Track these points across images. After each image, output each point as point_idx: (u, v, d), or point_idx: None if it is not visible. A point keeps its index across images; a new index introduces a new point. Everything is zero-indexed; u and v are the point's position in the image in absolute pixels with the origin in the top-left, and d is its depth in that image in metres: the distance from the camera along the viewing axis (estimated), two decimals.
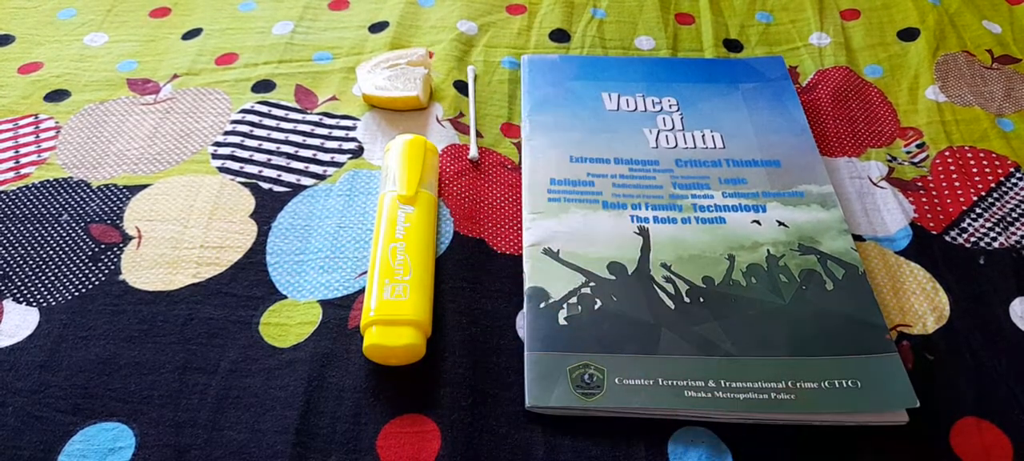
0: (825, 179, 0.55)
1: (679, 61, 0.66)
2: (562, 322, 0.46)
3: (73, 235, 0.51)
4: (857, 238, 0.52)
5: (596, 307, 0.46)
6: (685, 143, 0.57)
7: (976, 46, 0.68)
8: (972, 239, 0.52)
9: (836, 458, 0.41)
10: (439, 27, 0.70)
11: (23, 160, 0.57)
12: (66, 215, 0.53)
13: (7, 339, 0.45)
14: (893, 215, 0.54)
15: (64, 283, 0.48)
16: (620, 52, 0.69)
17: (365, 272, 0.49)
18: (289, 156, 0.57)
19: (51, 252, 0.50)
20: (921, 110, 0.62)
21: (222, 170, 0.56)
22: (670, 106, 0.61)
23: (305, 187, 0.55)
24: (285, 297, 0.48)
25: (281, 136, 0.59)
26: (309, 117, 0.61)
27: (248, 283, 0.48)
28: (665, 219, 0.52)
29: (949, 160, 0.58)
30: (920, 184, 0.56)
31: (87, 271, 0.49)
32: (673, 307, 0.47)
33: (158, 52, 0.67)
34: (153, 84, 0.64)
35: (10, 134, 0.59)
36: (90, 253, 0.50)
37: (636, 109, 0.60)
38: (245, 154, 0.57)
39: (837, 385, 0.43)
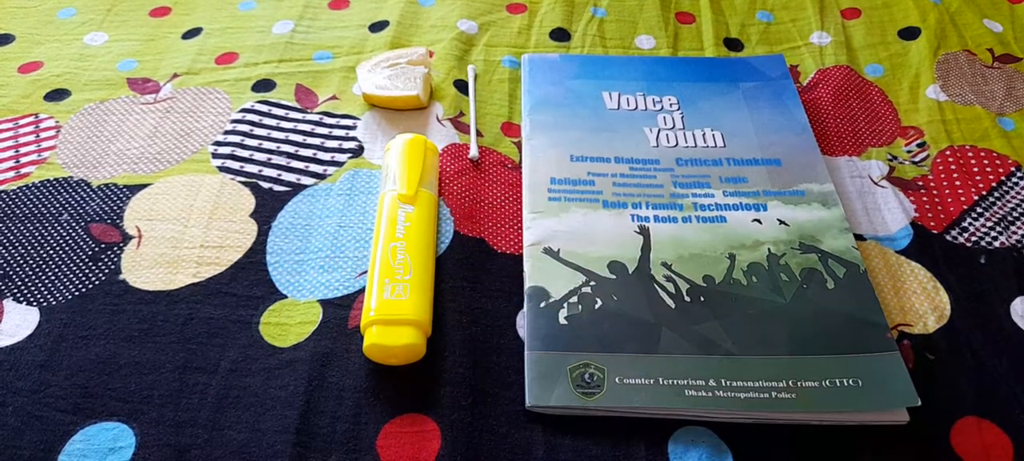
0: (826, 178, 0.54)
1: (679, 60, 0.66)
2: (562, 321, 0.45)
3: (73, 235, 0.51)
4: (858, 237, 0.52)
5: (596, 306, 0.46)
6: (686, 142, 0.57)
7: (977, 45, 0.68)
8: (973, 238, 0.52)
9: (836, 458, 0.41)
10: (439, 26, 0.70)
11: (23, 160, 0.57)
12: (66, 215, 0.53)
13: (7, 339, 0.45)
14: (894, 214, 0.54)
15: (64, 283, 0.48)
16: (620, 51, 0.68)
17: (365, 272, 0.49)
18: (289, 155, 0.57)
19: (51, 252, 0.50)
20: (922, 109, 0.62)
21: (222, 169, 0.56)
22: (670, 105, 0.60)
23: (305, 186, 0.55)
24: (285, 297, 0.48)
25: (281, 135, 0.59)
26: (309, 116, 0.61)
27: (248, 283, 0.48)
28: (666, 218, 0.52)
29: (950, 159, 0.58)
30: (921, 183, 0.56)
31: (87, 271, 0.49)
32: (673, 306, 0.46)
33: (158, 51, 0.67)
34: (153, 83, 0.64)
35: (10, 133, 0.59)
36: (90, 253, 0.50)
37: (636, 108, 0.60)
38: (245, 153, 0.57)
39: (838, 384, 0.43)
